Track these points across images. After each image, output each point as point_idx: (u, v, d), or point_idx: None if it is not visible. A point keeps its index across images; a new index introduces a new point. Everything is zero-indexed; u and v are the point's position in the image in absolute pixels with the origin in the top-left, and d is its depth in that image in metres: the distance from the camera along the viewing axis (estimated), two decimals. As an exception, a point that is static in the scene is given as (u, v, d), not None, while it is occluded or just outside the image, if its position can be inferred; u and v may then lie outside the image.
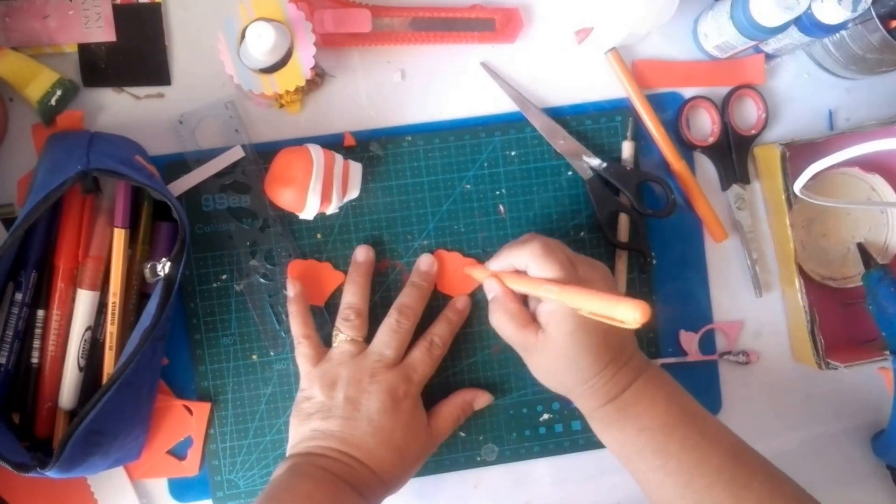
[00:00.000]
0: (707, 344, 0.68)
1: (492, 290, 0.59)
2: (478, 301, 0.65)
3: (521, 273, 0.58)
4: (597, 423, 0.58)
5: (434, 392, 0.64)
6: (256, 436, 0.65)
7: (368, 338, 0.62)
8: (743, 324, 0.68)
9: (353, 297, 0.62)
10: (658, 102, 0.67)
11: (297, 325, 0.62)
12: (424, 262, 0.64)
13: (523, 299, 0.59)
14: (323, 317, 0.64)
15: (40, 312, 0.60)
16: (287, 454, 0.60)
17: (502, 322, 0.58)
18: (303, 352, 0.61)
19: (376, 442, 0.58)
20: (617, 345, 0.56)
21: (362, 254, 0.64)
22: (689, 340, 0.67)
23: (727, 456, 0.54)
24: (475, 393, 0.64)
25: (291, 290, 0.63)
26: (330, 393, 0.59)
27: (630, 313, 0.47)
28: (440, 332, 0.63)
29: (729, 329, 0.68)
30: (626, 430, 0.56)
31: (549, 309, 0.55)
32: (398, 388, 0.59)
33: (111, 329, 0.59)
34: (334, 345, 0.62)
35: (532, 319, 0.57)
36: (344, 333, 0.61)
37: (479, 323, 0.66)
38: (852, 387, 0.70)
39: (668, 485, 0.54)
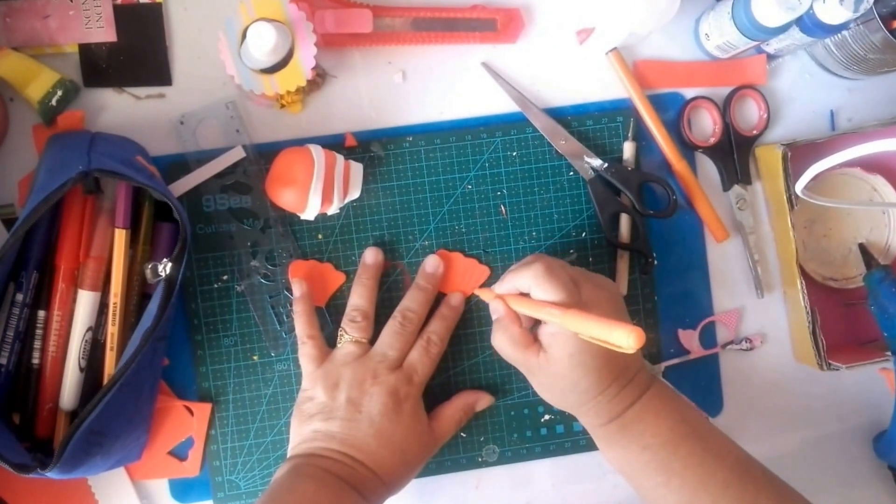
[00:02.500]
0: (708, 338, 0.68)
1: (496, 311, 0.59)
2: (474, 299, 0.65)
3: (524, 295, 0.58)
4: (600, 440, 0.58)
5: (435, 393, 0.64)
6: (257, 436, 0.65)
7: (373, 339, 0.62)
8: (741, 311, 0.68)
9: (360, 299, 0.62)
10: (659, 103, 0.67)
11: (302, 325, 0.62)
12: (430, 263, 0.64)
13: (532, 322, 0.59)
14: (324, 317, 0.64)
15: (41, 313, 0.60)
16: (288, 455, 0.60)
17: (504, 344, 0.58)
18: (307, 352, 0.61)
19: (377, 443, 0.58)
20: (620, 364, 0.56)
21: (371, 256, 0.63)
22: (690, 338, 0.67)
23: (733, 471, 0.54)
24: (477, 395, 0.64)
25: (297, 289, 0.63)
26: (332, 394, 0.59)
27: (624, 339, 0.48)
28: (436, 329, 0.62)
29: (727, 318, 0.68)
30: (629, 448, 0.55)
31: (551, 331, 0.55)
32: (399, 390, 0.59)
33: (112, 330, 0.59)
34: (339, 345, 0.61)
35: (533, 341, 0.57)
36: (349, 335, 0.61)
37: (479, 324, 0.66)
38: (854, 388, 0.70)
39: (671, 502, 0.54)
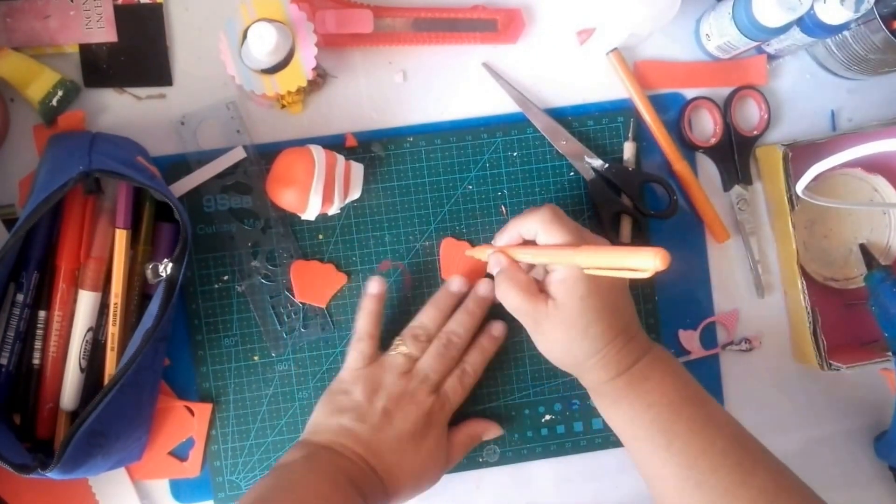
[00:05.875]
0: (708, 339, 0.68)
1: (498, 263, 0.58)
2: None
3: (529, 244, 0.58)
4: (606, 397, 0.57)
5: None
6: (258, 437, 0.65)
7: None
8: (739, 311, 0.68)
9: (431, 321, 0.62)
10: (660, 103, 0.67)
11: (366, 322, 0.61)
12: (482, 288, 0.63)
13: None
14: (325, 318, 0.64)
15: (42, 313, 0.59)
16: (304, 435, 0.59)
17: (511, 293, 0.56)
18: (362, 348, 0.61)
19: (396, 459, 0.58)
20: (627, 315, 0.56)
21: (456, 285, 0.63)
22: (690, 338, 0.67)
23: (732, 441, 0.54)
24: (486, 425, 0.64)
25: (374, 288, 0.62)
26: (370, 397, 0.59)
27: (650, 260, 0.46)
28: (473, 360, 0.62)
29: (726, 319, 0.68)
30: (635, 406, 0.55)
31: (559, 277, 0.54)
32: (433, 416, 0.59)
33: (113, 330, 0.59)
34: (391, 351, 0.61)
35: (541, 290, 0.56)
36: (406, 346, 0.61)
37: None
38: (854, 388, 0.70)
39: (671, 465, 0.54)
